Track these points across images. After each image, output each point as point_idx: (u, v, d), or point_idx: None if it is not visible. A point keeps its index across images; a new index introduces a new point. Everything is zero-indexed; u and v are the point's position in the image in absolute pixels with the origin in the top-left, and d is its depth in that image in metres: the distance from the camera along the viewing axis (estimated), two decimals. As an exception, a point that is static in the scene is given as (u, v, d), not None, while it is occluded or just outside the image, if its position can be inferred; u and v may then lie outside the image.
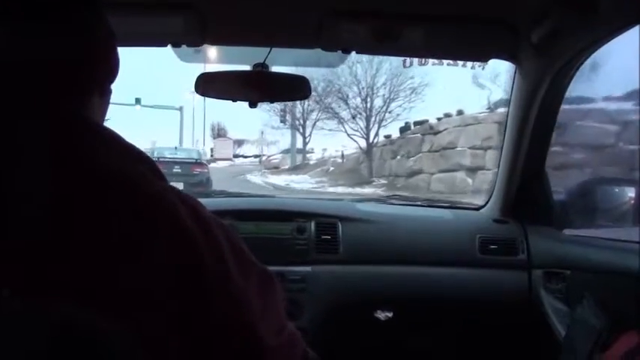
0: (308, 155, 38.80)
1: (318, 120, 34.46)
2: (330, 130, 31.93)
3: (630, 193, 2.70)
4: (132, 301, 0.89)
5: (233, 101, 2.39)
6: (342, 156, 33.18)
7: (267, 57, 2.32)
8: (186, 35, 2.22)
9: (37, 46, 1.00)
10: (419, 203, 3.26)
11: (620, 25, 1.96)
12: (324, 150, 38.85)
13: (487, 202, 2.95)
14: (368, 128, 28.71)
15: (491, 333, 2.68)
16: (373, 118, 28.90)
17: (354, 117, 29.26)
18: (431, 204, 3.25)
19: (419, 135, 23.78)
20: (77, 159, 0.94)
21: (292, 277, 2.50)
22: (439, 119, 22.88)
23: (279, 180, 30.60)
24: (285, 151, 40.72)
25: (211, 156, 45.44)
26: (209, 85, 2.33)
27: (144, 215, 0.94)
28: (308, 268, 2.57)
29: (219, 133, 53.30)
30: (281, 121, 36.16)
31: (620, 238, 2.34)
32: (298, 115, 35.79)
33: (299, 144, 37.87)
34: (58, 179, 0.90)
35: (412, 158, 23.77)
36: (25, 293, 0.83)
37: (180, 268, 0.92)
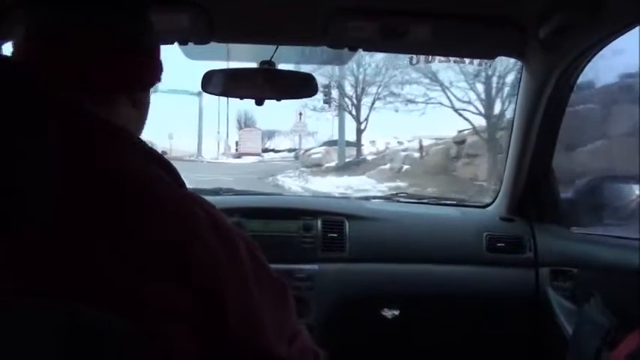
0: (363, 148, 27.88)
1: (380, 97, 24.50)
2: (408, 105, 21.45)
3: (637, 190, 2.69)
4: (144, 306, 0.90)
5: (240, 99, 2.38)
6: (421, 148, 21.90)
7: (273, 54, 2.32)
8: (193, 32, 2.21)
9: (66, 43, 1.03)
10: (426, 201, 3.25)
11: (627, 23, 1.95)
12: (387, 143, 27.94)
13: (494, 200, 2.95)
14: (490, 98, 17.71)
15: (498, 331, 2.68)
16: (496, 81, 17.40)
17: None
18: (438, 202, 3.24)
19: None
20: (87, 158, 0.95)
21: (299, 275, 2.50)
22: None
23: (325, 184, 20.42)
24: (329, 143, 31.27)
25: (236, 150, 41.24)
26: (215, 83, 2.32)
27: (157, 218, 0.95)
28: (315, 266, 2.57)
29: (245, 123, 45.55)
30: (325, 102, 26.82)
31: (627, 235, 2.33)
32: (349, 91, 25.99)
33: (349, 135, 26.87)
34: (68, 178, 0.91)
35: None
36: (32, 291, 0.83)
37: (201, 291, 0.94)
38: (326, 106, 27.28)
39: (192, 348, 0.94)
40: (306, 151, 33.22)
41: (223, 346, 0.97)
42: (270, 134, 46.18)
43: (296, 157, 33.99)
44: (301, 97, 2.39)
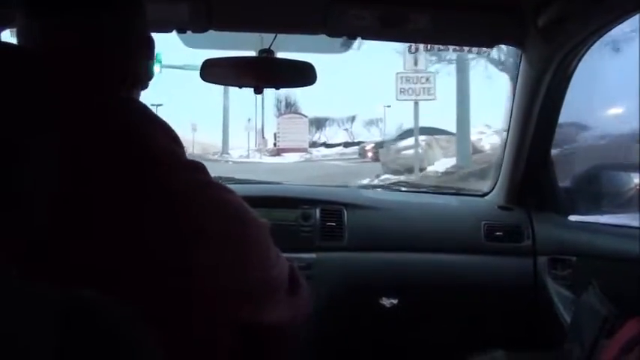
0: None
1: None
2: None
3: (636, 179, 2.70)
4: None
5: (239, 87, 2.38)
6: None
7: (272, 43, 2.32)
8: (192, 21, 2.21)
9: (83, 37, 1.12)
10: (424, 190, 3.25)
11: (626, 10, 1.95)
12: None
13: (492, 189, 2.95)
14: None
15: (496, 320, 2.68)
16: None
17: None
18: (436, 190, 3.25)
19: None
20: (130, 137, 1.06)
21: (297, 264, 2.50)
22: None
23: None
24: (407, 133, 19.63)
25: (274, 145, 31.96)
26: (214, 71, 2.32)
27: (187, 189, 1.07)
28: (313, 255, 2.58)
29: (286, 107, 34.86)
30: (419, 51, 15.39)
31: (626, 224, 2.33)
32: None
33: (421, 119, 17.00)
34: (116, 160, 1.03)
35: None
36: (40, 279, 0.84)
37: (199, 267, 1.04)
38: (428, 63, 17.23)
39: (193, 305, 1.03)
40: (376, 145, 25.50)
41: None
42: (319, 123, 35.83)
43: (360, 154, 27.24)
44: (300, 86, 2.39)
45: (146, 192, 1.02)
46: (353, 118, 35.58)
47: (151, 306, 0.88)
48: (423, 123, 18.86)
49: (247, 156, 31.19)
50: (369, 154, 25.70)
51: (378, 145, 25.11)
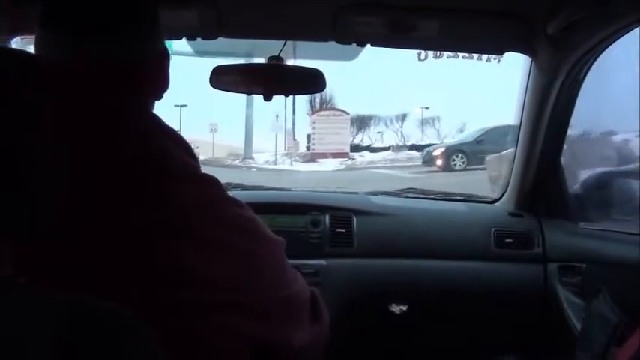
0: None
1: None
2: None
3: (646, 186, 2.69)
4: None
5: (248, 94, 2.39)
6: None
7: (281, 50, 2.32)
8: (202, 28, 2.22)
9: (100, 54, 1.13)
10: (433, 197, 3.24)
11: (636, 18, 1.94)
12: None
13: (502, 196, 2.94)
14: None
15: (506, 326, 2.68)
16: None
17: None
18: (446, 197, 3.24)
19: None
20: (144, 150, 1.07)
21: (307, 271, 2.49)
22: None
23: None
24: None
25: (307, 148, 25.59)
26: (224, 78, 2.32)
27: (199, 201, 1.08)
28: (323, 262, 2.58)
29: (322, 103, 26.87)
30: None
31: (636, 231, 2.33)
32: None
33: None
34: (129, 172, 1.04)
35: None
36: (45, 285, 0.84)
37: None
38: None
39: (200, 319, 1.02)
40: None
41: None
42: (360, 122, 28.14)
43: (425, 162, 21.40)
44: (309, 93, 2.41)
45: (158, 204, 1.03)
46: (404, 117, 28.60)
47: (159, 318, 0.88)
48: (489, 122, 19.83)
49: (275, 162, 24.98)
50: (439, 162, 20.64)
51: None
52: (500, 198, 2.96)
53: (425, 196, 3.25)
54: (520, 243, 2.68)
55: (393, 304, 2.59)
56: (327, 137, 24.39)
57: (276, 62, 2.33)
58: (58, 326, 0.74)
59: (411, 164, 22.95)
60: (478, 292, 2.65)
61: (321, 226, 2.65)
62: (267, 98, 2.34)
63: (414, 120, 28.82)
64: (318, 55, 2.68)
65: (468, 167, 19.43)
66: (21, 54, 0.85)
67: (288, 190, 3.29)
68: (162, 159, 1.07)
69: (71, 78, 1.06)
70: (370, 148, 27.49)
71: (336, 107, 26.26)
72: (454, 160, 20.37)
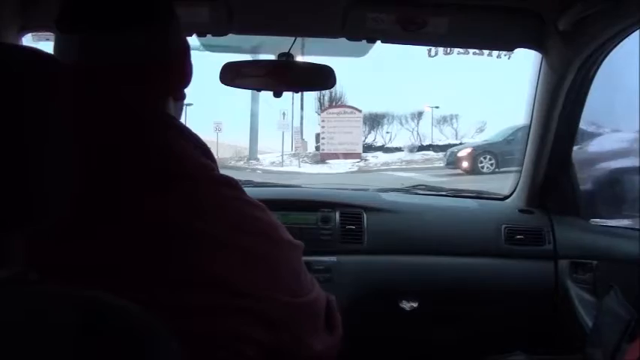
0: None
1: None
2: None
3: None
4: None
5: (258, 91, 2.39)
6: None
7: (291, 46, 2.32)
8: (212, 25, 2.22)
9: (121, 53, 1.13)
10: (444, 193, 3.23)
11: None
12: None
13: (513, 192, 2.94)
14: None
15: (517, 323, 2.67)
16: None
17: None
18: (456, 194, 3.23)
19: None
20: (162, 151, 1.08)
21: (317, 267, 2.49)
22: None
23: None
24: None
25: (316, 149, 24.13)
26: (234, 75, 2.33)
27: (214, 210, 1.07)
28: (333, 258, 2.58)
29: (331, 100, 25.11)
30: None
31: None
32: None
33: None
34: (149, 173, 1.05)
35: None
36: (56, 280, 0.84)
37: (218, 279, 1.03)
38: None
39: (215, 323, 1.01)
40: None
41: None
42: (372, 121, 26.15)
43: (449, 163, 19.91)
44: (319, 89, 2.40)
45: (174, 206, 1.03)
46: (419, 115, 26.46)
47: (170, 320, 0.88)
48: (509, 120, 18.63)
49: (281, 163, 23.32)
50: (464, 164, 18.91)
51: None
52: (510, 194, 2.95)
53: (435, 193, 3.25)
54: (531, 239, 2.67)
55: (404, 301, 2.59)
56: (337, 136, 22.82)
57: (286, 59, 2.33)
58: (71, 323, 0.74)
59: (429, 166, 21.44)
60: (488, 289, 2.65)
61: (331, 222, 2.66)
62: (277, 95, 2.34)
63: (430, 118, 26.94)
64: (326, 52, 2.67)
65: (497, 170, 17.81)
66: (43, 54, 0.86)
67: (298, 186, 3.29)
68: (181, 160, 1.08)
69: (91, 77, 1.07)
70: (384, 148, 25.54)
71: (347, 104, 24.23)
72: (482, 162, 18.74)
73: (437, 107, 26.96)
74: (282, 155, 23.94)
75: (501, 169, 17.13)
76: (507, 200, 2.96)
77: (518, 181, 2.89)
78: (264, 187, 3.24)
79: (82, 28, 1.13)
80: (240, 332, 1.03)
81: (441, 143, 24.77)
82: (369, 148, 24.89)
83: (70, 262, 0.96)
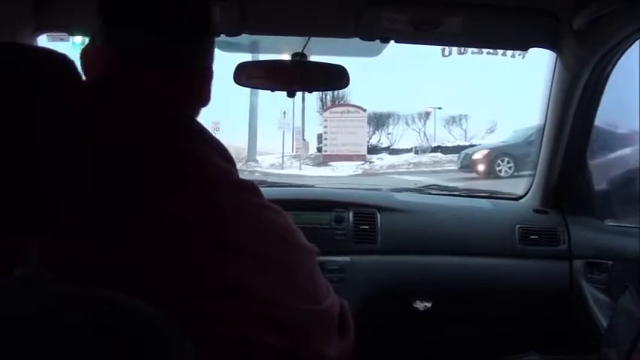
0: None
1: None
2: None
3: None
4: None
5: (271, 91, 2.39)
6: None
7: (305, 46, 2.32)
8: (225, 24, 2.22)
9: (161, 54, 1.15)
10: (457, 193, 3.23)
11: None
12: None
13: (527, 192, 2.93)
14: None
15: (531, 323, 2.66)
16: None
17: None
18: (470, 194, 3.22)
19: None
20: (182, 153, 1.08)
21: (331, 267, 2.50)
22: None
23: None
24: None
25: (318, 150, 22.79)
26: (248, 75, 2.33)
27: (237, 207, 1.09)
28: (347, 258, 2.57)
29: (333, 100, 23.16)
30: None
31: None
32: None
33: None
34: (169, 177, 1.05)
35: None
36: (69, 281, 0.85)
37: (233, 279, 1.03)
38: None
39: (229, 328, 1.00)
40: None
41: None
42: (377, 121, 24.60)
43: (463, 167, 18.66)
44: (333, 89, 2.39)
45: (193, 209, 1.03)
46: (427, 115, 25.23)
47: (186, 322, 0.88)
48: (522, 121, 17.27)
49: (281, 165, 21.76)
50: (480, 167, 17.66)
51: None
52: (525, 194, 2.94)
53: (449, 193, 3.24)
54: (545, 240, 2.67)
55: (417, 301, 2.58)
56: (340, 137, 21.29)
57: (299, 59, 2.34)
58: (85, 323, 0.74)
59: (439, 168, 20.24)
60: (503, 289, 2.64)
61: (345, 222, 2.66)
62: (291, 95, 2.35)
63: (438, 119, 25.59)
64: (338, 52, 2.67)
65: (515, 173, 16.54)
66: (57, 55, 0.86)
67: (312, 186, 3.29)
68: (202, 165, 1.08)
69: (123, 75, 1.10)
70: (390, 150, 23.98)
71: (351, 103, 22.17)
72: (499, 165, 17.41)
73: (440, 108, 25.77)
74: (282, 157, 22.19)
75: (520, 173, 15.79)
76: (522, 200, 2.95)
77: (533, 181, 2.88)
78: (278, 187, 3.24)
79: (130, 21, 1.14)
80: (254, 338, 1.02)
81: (449, 145, 23.58)
82: (373, 149, 23.40)
83: (85, 261, 0.96)
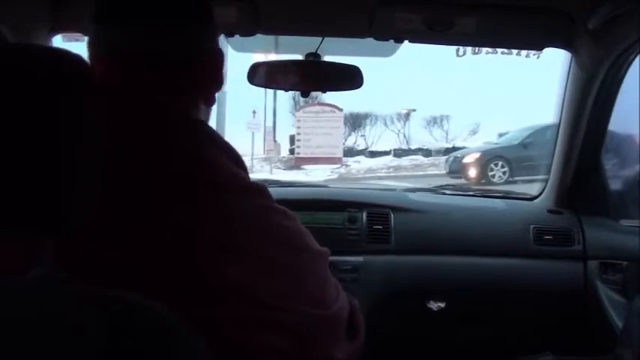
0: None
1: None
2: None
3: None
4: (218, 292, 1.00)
5: (285, 91, 2.39)
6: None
7: (319, 46, 2.32)
8: (240, 25, 2.22)
9: (153, 50, 1.14)
10: (471, 193, 3.22)
11: None
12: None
13: (541, 193, 2.92)
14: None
15: (545, 324, 2.66)
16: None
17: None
18: (484, 194, 3.22)
19: None
20: (192, 158, 1.07)
21: (344, 267, 2.50)
22: None
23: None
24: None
25: (291, 152, 21.68)
26: (261, 75, 2.33)
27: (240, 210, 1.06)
28: (360, 258, 2.57)
29: (306, 102, 20.19)
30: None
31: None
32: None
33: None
34: (178, 181, 1.04)
35: None
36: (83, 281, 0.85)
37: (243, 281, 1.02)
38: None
39: (238, 333, 0.99)
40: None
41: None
42: (354, 121, 23.77)
43: (452, 172, 17.15)
44: (347, 89, 2.38)
45: (203, 214, 1.02)
46: (407, 115, 24.02)
47: (196, 327, 0.88)
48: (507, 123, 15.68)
49: (251, 168, 17.18)
50: (471, 172, 16.33)
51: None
52: (539, 195, 2.93)
53: (463, 193, 3.24)
54: (560, 240, 2.66)
55: (431, 301, 2.58)
56: (315, 138, 19.55)
57: (313, 59, 2.34)
58: (98, 323, 0.75)
59: (422, 173, 18.74)
60: (517, 289, 2.64)
61: (358, 222, 2.65)
62: (305, 95, 2.35)
63: (419, 119, 24.59)
64: (352, 52, 2.67)
65: (510, 179, 15.55)
66: (72, 56, 0.86)
67: (325, 186, 3.30)
68: (212, 169, 1.07)
69: (125, 78, 1.09)
70: (367, 152, 23.12)
71: (326, 102, 19.79)
72: (492, 170, 16.05)
73: (414, 110, 24.59)
74: (251, 159, 19.45)
75: (515, 178, 15.13)
76: (536, 200, 2.94)
77: (547, 182, 2.87)
78: (291, 187, 3.25)
79: (116, 20, 1.14)
80: (263, 342, 1.02)
81: (431, 147, 22.51)
82: (350, 152, 22.41)
83: (94, 262, 0.96)
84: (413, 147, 22.78)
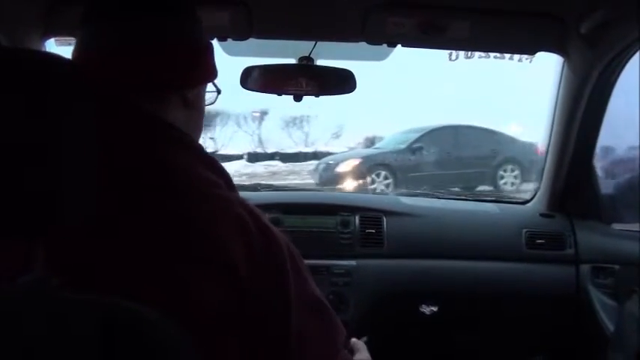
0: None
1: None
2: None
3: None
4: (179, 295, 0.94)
5: (278, 95, 2.39)
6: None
7: (312, 50, 2.33)
8: (233, 29, 2.22)
9: (122, 46, 1.10)
10: (464, 197, 3.23)
11: None
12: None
13: (534, 197, 2.93)
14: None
15: (538, 328, 2.66)
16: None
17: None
18: (476, 198, 3.23)
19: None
20: (148, 156, 1.03)
21: (337, 271, 2.50)
22: None
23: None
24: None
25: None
26: (254, 79, 2.33)
27: (202, 217, 1.00)
28: (353, 262, 2.57)
29: None
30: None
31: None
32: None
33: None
34: (127, 174, 1.00)
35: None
36: (77, 287, 0.85)
37: (244, 291, 0.99)
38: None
39: (231, 346, 0.98)
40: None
41: (262, 347, 1.00)
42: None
43: (324, 182, 12.70)
44: (340, 94, 2.38)
45: (175, 221, 0.99)
46: (263, 115, 20.67)
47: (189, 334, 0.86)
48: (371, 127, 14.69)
49: None
50: (349, 184, 12.37)
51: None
52: (531, 198, 2.94)
53: (455, 197, 3.25)
54: (552, 244, 2.66)
55: (424, 305, 2.58)
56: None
57: (306, 63, 2.34)
58: (92, 330, 0.75)
59: (282, 182, 13.63)
60: (509, 294, 2.64)
61: (351, 226, 2.65)
62: (298, 99, 2.35)
63: (277, 119, 21.00)
64: (345, 56, 2.67)
65: (395, 192, 10.36)
66: (59, 58, 0.86)
67: (318, 190, 3.30)
68: (184, 175, 1.04)
69: (108, 79, 1.06)
70: (217, 156, 17.65)
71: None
72: (374, 182, 12.10)
73: (265, 113, 20.61)
74: None
75: (400, 190, 10.38)
76: (528, 204, 2.95)
77: (540, 186, 2.88)
78: (284, 190, 3.25)
79: (93, 17, 1.12)
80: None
81: (290, 151, 19.33)
82: (250, 156, 18.84)
83: (82, 263, 0.94)
84: (269, 150, 19.44)
